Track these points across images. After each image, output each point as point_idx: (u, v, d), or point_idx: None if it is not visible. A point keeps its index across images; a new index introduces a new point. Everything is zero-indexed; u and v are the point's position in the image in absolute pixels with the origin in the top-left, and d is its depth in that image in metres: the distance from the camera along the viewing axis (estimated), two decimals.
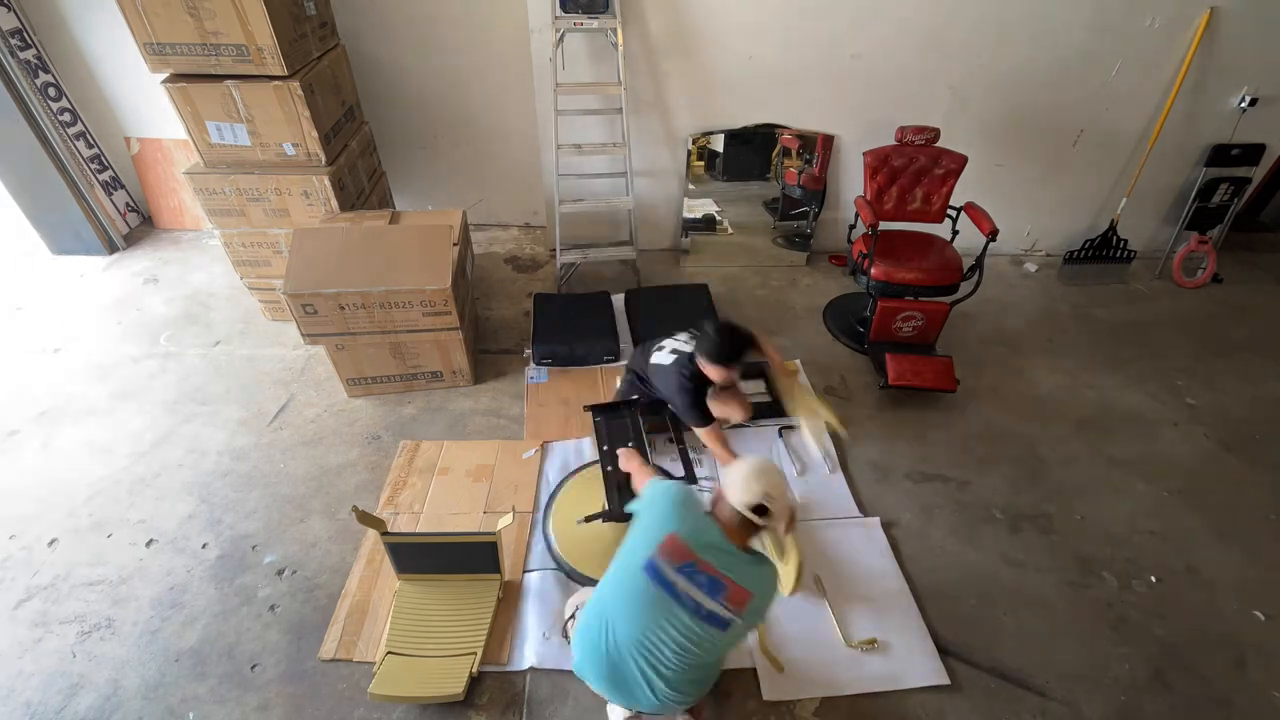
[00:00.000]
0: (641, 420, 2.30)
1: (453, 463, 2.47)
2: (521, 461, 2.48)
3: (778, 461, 2.51)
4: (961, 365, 2.90)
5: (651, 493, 1.62)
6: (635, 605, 1.47)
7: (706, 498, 1.60)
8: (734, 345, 2.04)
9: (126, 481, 2.40)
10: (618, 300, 3.24)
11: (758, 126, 3.34)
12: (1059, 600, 2.11)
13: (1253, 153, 3.41)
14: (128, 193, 3.79)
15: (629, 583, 1.49)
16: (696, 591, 1.43)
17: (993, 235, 2.69)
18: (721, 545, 1.47)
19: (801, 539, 2.14)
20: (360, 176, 3.08)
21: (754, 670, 1.88)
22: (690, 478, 2.20)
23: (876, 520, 2.31)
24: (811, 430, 2.40)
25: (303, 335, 2.51)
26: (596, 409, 2.34)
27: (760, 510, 1.44)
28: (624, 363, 2.82)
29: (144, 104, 3.46)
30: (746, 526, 1.48)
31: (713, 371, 2.06)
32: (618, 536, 2.13)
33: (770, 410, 2.70)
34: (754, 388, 2.84)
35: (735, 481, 1.48)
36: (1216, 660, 1.97)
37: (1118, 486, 2.49)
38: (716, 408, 2.28)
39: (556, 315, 3.06)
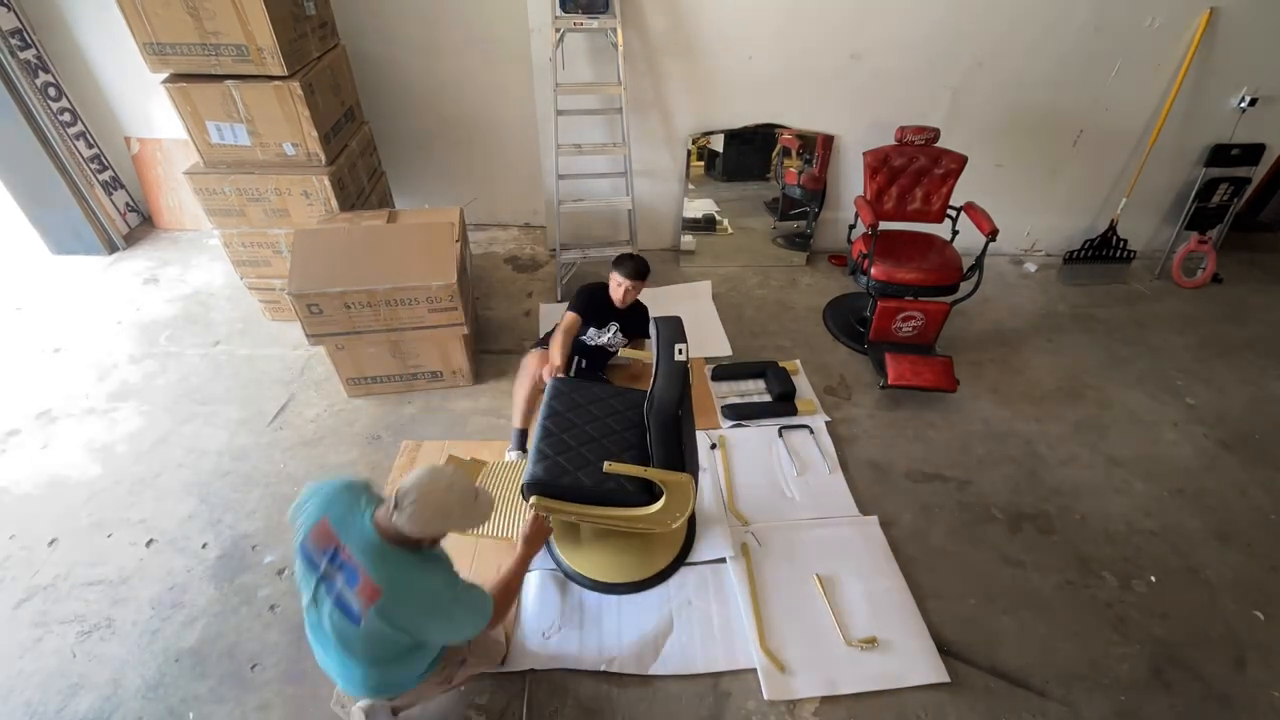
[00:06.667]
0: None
1: None
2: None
3: (777, 460, 2.52)
4: (961, 365, 2.90)
5: (314, 486, 1.55)
6: (302, 580, 1.47)
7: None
8: (639, 266, 2.56)
9: (126, 481, 2.40)
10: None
11: (758, 126, 3.34)
12: (1059, 600, 2.11)
13: (1252, 153, 3.41)
14: (128, 193, 3.79)
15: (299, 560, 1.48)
16: (339, 577, 1.40)
17: (992, 235, 2.69)
18: (366, 534, 1.39)
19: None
20: (360, 176, 3.08)
21: (754, 670, 1.88)
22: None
23: (875, 520, 2.31)
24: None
25: (307, 336, 2.51)
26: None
27: (397, 504, 1.36)
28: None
29: (144, 104, 3.46)
30: (393, 526, 1.39)
31: (618, 285, 2.56)
32: (620, 538, 2.15)
33: (770, 410, 2.70)
34: (753, 387, 2.85)
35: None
36: (1216, 660, 1.97)
37: (1118, 486, 2.49)
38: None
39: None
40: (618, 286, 2.56)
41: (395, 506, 1.36)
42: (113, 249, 3.65)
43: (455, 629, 1.50)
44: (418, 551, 1.44)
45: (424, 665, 1.57)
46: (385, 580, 1.37)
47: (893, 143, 2.90)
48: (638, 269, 2.55)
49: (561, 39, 2.92)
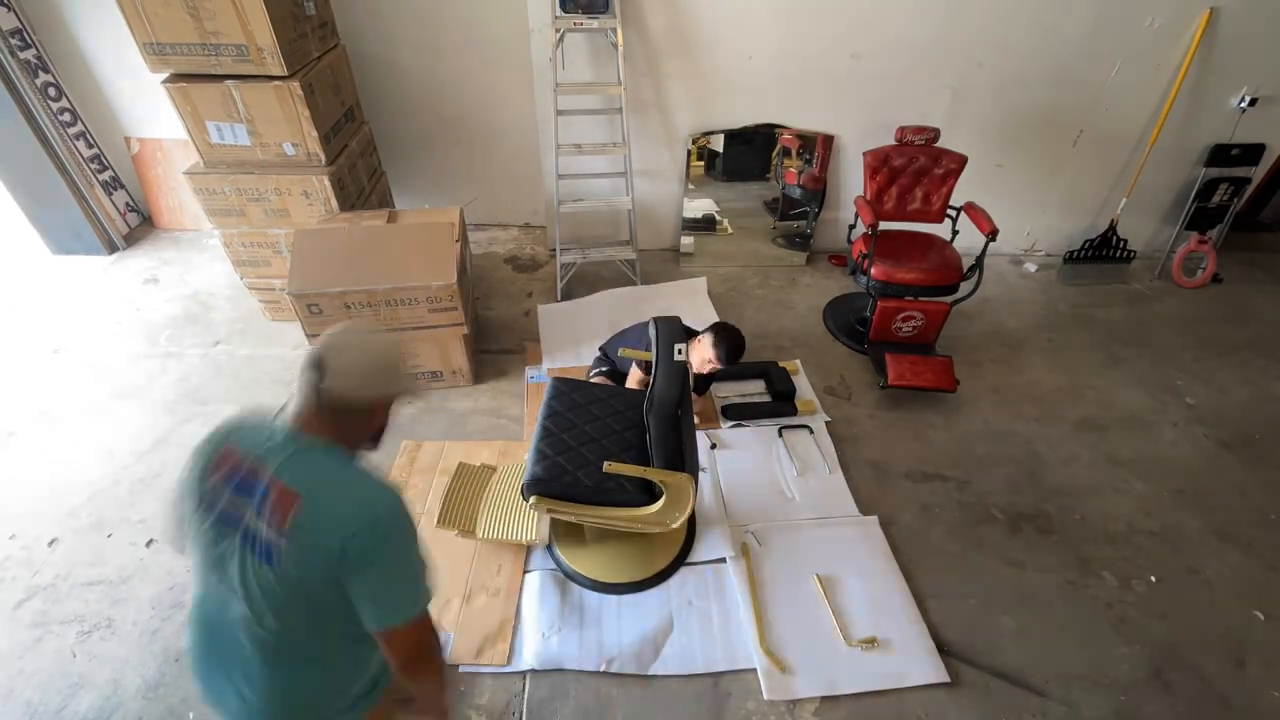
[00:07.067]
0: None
1: (454, 463, 2.46)
2: (521, 461, 2.48)
3: (778, 461, 2.52)
4: (961, 365, 2.90)
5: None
6: (198, 550, 1.08)
7: None
8: (738, 351, 2.28)
9: (126, 481, 2.40)
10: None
11: (758, 126, 3.34)
12: (1059, 600, 2.11)
13: (1252, 153, 3.41)
14: (128, 193, 3.79)
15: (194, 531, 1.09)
16: (246, 507, 1.02)
17: (992, 235, 2.69)
18: (277, 432, 1.07)
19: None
20: (360, 176, 3.08)
21: (754, 670, 1.88)
22: None
23: (875, 519, 2.31)
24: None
25: (307, 336, 2.51)
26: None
27: (317, 366, 1.05)
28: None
29: (144, 104, 3.45)
30: (323, 408, 1.07)
31: (705, 357, 2.27)
32: (620, 538, 2.15)
33: (770, 410, 2.70)
34: (754, 387, 2.85)
35: None
36: (1216, 660, 1.97)
37: (1118, 486, 2.49)
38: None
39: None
40: (705, 361, 2.26)
41: (316, 368, 1.06)
42: (113, 249, 3.65)
43: (394, 566, 1.06)
44: (351, 451, 1.12)
45: (352, 677, 1.17)
46: (305, 482, 1.03)
47: (893, 143, 2.90)
48: (733, 350, 2.24)
49: (561, 39, 2.92)
